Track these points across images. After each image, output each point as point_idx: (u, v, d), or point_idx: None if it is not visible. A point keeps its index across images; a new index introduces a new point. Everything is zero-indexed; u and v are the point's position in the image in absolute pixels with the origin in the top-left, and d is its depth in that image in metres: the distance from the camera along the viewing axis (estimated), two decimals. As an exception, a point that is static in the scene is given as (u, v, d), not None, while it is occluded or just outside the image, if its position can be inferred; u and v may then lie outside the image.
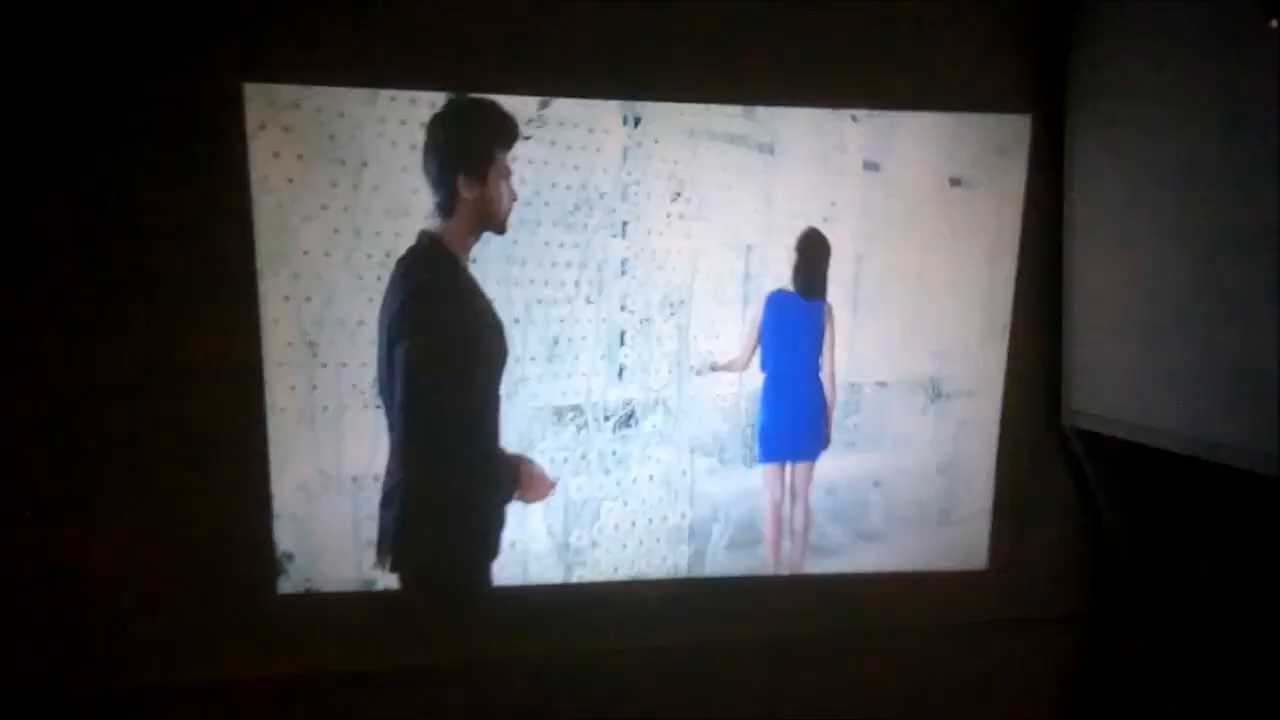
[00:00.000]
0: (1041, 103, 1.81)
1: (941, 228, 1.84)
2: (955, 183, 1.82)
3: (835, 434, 1.87)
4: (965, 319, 1.87)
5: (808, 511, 1.90)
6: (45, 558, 1.61)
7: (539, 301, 1.70)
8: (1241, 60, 1.40)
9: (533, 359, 1.72)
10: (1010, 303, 1.86)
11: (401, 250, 1.64)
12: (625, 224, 1.73)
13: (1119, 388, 1.70)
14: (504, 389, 1.71)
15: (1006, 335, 1.87)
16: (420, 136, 1.62)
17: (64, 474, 1.60)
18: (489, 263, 1.67)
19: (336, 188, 1.60)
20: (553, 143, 1.67)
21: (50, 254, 1.55)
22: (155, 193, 1.57)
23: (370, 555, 1.69)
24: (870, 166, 1.80)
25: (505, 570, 1.76)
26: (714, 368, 1.80)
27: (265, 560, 1.67)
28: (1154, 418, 1.61)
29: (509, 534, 1.75)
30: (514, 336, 1.70)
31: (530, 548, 1.77)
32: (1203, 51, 1.48)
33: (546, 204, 1.68)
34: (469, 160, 1.65)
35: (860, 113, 1.78)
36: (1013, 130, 1.82)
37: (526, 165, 1.66)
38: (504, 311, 1.69)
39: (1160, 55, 1.57)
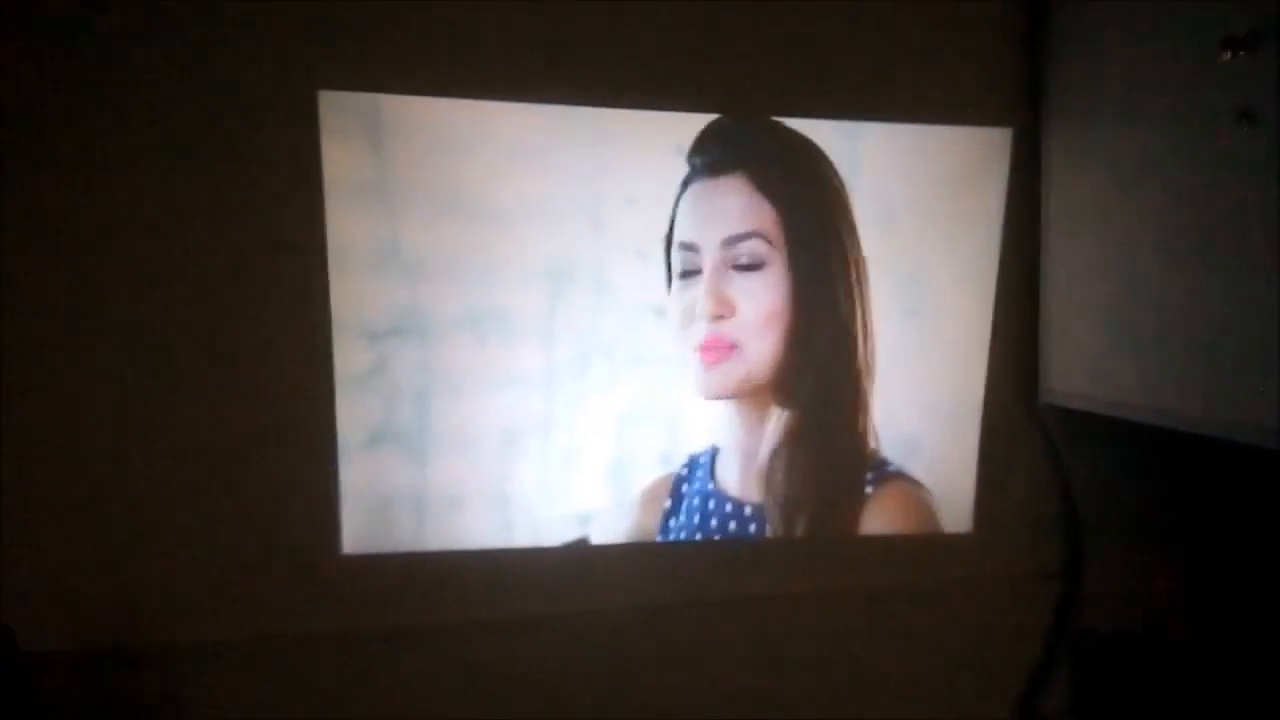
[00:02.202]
0: (1022, 117, 2.01)
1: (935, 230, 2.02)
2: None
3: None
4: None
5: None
6: (114, 512, 1.72)
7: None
8: (1203, 76, 1.59)
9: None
10: (993, 298, 2.06)
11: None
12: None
13: (1087, 368, 1.92)
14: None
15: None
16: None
17: (137, 440, 1.72)
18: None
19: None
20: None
21: (131, 236, 1.67)
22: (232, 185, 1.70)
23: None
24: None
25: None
26: None
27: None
28: (1118, 393, 1.83)
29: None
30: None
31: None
32: (1167, 67, 1.68)
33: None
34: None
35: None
36: (996, 142, 2.01)
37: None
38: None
39: (1127, 69, 1.78)
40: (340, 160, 1.74)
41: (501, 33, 1.75)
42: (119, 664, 1.74)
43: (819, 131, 1.92)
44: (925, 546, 2.10)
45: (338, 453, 1.81)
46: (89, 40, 1.58)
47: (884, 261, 1.99)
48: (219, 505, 1.76)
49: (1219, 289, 1.58)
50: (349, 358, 1.81)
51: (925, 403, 2.08)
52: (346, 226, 1.76)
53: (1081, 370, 1.93)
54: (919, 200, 2.01)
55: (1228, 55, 1.52)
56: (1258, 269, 1.50)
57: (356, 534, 1.86)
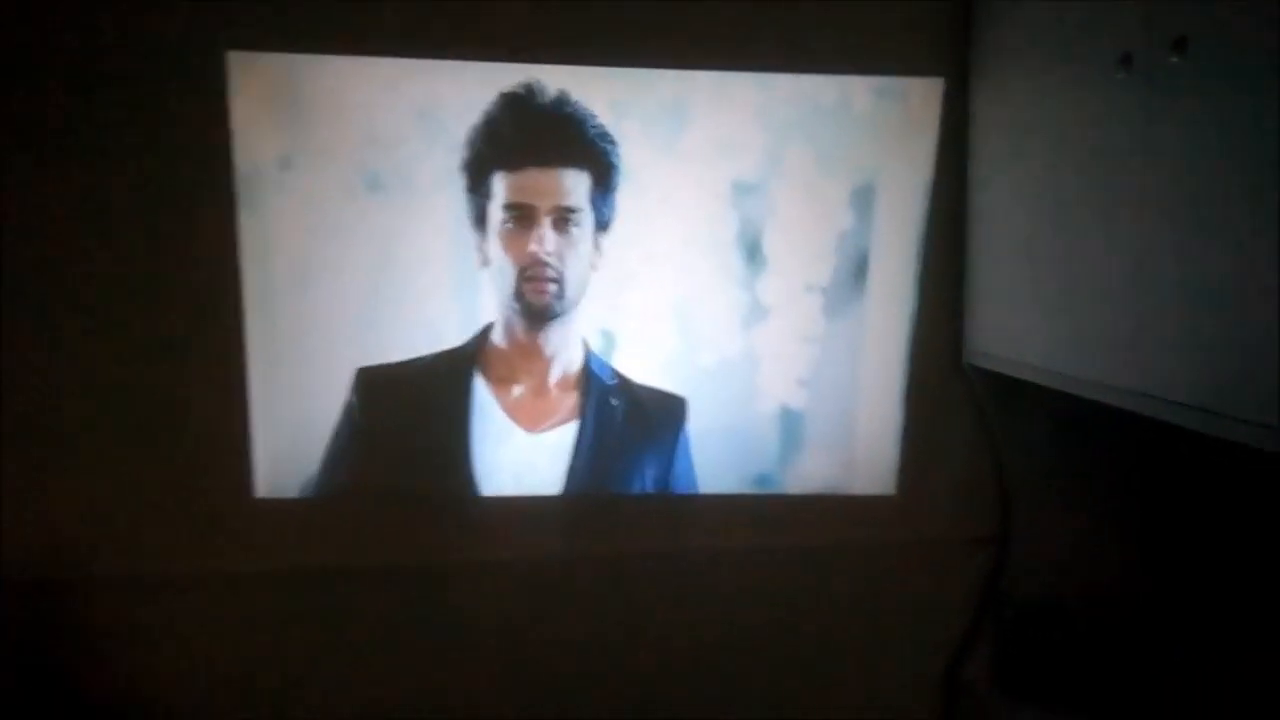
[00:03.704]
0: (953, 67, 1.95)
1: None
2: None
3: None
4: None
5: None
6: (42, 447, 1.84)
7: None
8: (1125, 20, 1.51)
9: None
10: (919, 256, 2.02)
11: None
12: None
13: (1008, 331, 1.86)
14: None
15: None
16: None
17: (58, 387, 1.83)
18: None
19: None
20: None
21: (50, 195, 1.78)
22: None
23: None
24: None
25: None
26: None
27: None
28: (1035, 358, 1.77)
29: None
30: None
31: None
32: (1090, 10, 1.59)
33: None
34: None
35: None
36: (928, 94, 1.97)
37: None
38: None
39: (1054, 11, 1.69)
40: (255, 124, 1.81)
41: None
42: (40, 594, 1.86)
43: (741, 84, 1.91)
44: (849, 508, 2.08)
45: (248, 404, 1.90)
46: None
47: (816, 221, 1.99)
48: (145, 452, 1.88)
49: (1144, 253, 1.47)
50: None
51: (861, 363, 2.07)
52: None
53: (1003, 333, 1.88)
54: (850, 157, 1.98)
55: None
56: (1185, 232, 1.38)
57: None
